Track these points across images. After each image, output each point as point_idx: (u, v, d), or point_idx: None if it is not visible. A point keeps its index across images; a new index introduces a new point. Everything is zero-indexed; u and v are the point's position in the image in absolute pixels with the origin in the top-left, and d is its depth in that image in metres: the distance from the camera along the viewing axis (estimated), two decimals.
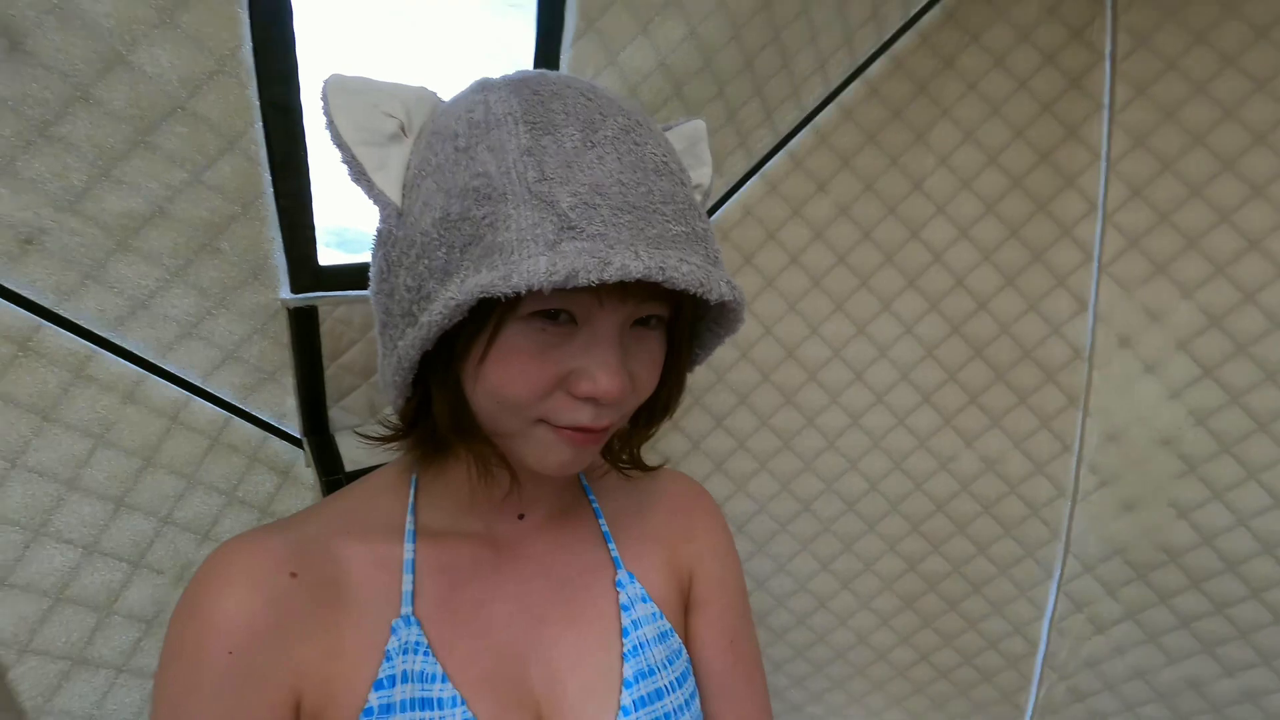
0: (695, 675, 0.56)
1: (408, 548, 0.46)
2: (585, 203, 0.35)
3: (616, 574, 0.52)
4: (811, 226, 1.05)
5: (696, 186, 0.51)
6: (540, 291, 0.34)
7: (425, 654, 0.43)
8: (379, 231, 0.45)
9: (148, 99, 0.61)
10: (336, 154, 0.43)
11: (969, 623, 1.16)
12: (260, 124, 0.66)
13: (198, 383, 0.78)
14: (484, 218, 0.36)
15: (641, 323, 0.43)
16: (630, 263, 0.34)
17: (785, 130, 1.03)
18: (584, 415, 0.41)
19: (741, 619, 0.60)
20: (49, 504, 0.68)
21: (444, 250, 0.37)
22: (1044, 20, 0.98)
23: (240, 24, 0.62)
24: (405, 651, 0.43)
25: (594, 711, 0.46)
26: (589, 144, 0.37)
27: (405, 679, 0.42)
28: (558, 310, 0.39)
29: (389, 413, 0.47)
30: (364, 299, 0.87)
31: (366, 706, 0.41)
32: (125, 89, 0.60)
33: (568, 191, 0.36)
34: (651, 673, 0.49)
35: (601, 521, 0.55)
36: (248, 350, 0.80)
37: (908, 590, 1.16)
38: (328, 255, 0.80)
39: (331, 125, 0.42)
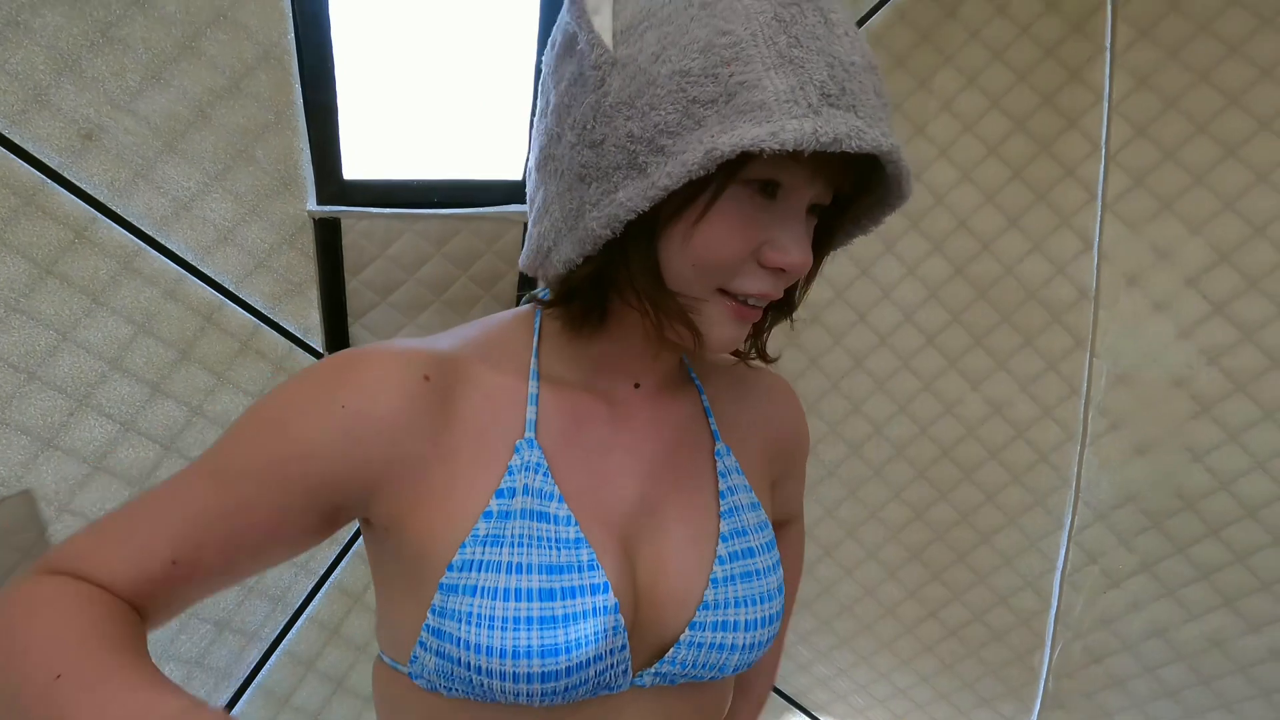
0: None
1: (532, 384, 0.48)
2: (839, 75, 0.38)
3: (716, 445, 0.55)
4: None
5: None
6: (763, 156, 0.36)
7: (545, 475, 0.46)
8: (580, 77, 0.41)
9: (196, 4, 0.69)
10: None
11: (978, 575, 1.14)
12: (292, 34, 0.74)
13: (231, 288, 0.85)
14: (733, 76, 0.37)
15: (811, 209, 0.44)
16: (881, 139, 0.37)
17: None
18: (767, 284, 0.43)
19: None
20: (94, 379, 0.75)
21: (681, 105, 0.38)
22: None
23: None
24: (526, 469, 0.45)
25: (695, 559, 0.49)
26: (827, 23, 0.39)
27: (525, 492, 0.45)
28: (769, 180, 0.40)
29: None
30: (385, 216, 0.89)
31: (486, 509, 0.44)
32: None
33: (823, 62, 0.37)
34: (745, 533, 0.52)
35: (704, 398, 0.57)
36: (276, 260, 0.87)
37: (915, 540, 1.16)
38: (355, 170, 0.87)
39: None
